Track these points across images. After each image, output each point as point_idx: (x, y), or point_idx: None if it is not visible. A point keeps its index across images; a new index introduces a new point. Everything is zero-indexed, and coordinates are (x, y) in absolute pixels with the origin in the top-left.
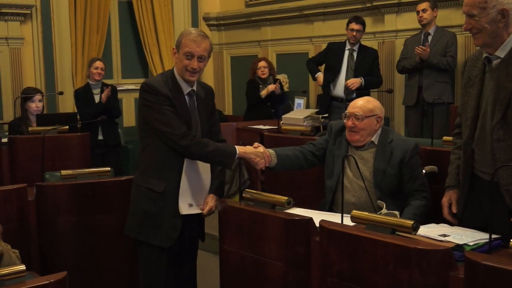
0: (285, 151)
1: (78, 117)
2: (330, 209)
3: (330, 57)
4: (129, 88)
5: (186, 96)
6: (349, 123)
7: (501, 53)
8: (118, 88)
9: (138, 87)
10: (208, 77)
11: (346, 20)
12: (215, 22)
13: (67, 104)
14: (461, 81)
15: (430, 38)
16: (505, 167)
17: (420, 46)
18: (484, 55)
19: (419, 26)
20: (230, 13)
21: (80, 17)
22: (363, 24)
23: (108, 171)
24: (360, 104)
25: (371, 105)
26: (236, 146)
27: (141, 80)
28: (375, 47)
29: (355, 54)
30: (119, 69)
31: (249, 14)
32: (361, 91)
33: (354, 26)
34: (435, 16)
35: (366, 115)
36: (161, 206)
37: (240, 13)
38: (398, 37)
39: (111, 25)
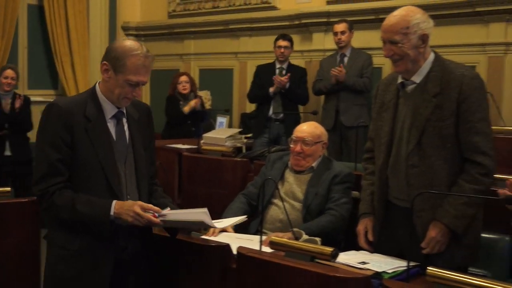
0: (239, 214)
1: None
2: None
3: (262, 79)
4: (36, 100)
5: (110, 121)
6: (297, 148)
7: (417, 78)
8: None
9: (47, 99)
10: None
11: (273, 37)
12: (134, 32)
13: None
14: (373, 105)
15: (346, 59)
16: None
17: (336, 68)
18: (399, 80)
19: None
20: (152, 23)
21: None
22: (290, 40)
23: (8, 191)
24: (309, 129)
25: (319, 131)
26: (113, 203)
27: (50, 92)
28: (303, 66)
29: (284, 73)
30: (25, 79)
31: (171, 26)
32: (288, 112)
33: (281, 43)
34: (351, 38)
35: (315, 140)
36: (77, 267)
37: (162, 24)
38: (326, 57)
39: (18, 30)
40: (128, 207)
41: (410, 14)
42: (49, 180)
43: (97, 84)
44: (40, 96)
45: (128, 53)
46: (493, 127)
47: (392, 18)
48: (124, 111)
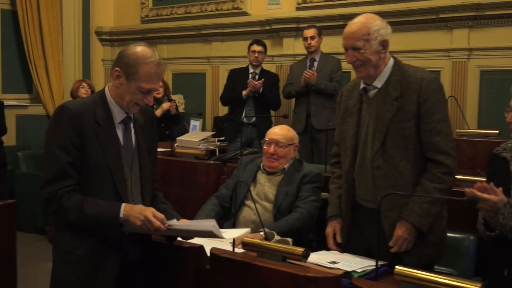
0: (211, 216)
1: None
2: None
3: (235, 83)
4: (10, 104)
5: (118, 125)
6: (270, 150)
7: (378, 83)
8: None
9: (21, 103)
10: None
11: (244, 42)
12: (108, 37)
13: None
14: (337, 111)
15: (316, 64)
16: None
17: (308, 70)
18: (362, 85)
19: None
20: (125, 28)
21: None
22: (264, 46)
23: None
24: (282, 132)
25: (291, 133)
26: (122, 206)
27: (24, 96)
28: (273, 71)
29: (257, 78)
30: None
31: (144, 31)
32: (259, 115)
33: (255, 47)
34: (321, 43)
35: (288, 143)
36: (82, 271)
37: (135, 29)
38: (296, 61)
39: None
40: (140, 211)
41: (370, 21)
42: (59, 183)
43: (106, 88)
44: (14, 100)
45: (141, 60)
46: (457, 130)
47: (353, 26)
48: (132, 117)
